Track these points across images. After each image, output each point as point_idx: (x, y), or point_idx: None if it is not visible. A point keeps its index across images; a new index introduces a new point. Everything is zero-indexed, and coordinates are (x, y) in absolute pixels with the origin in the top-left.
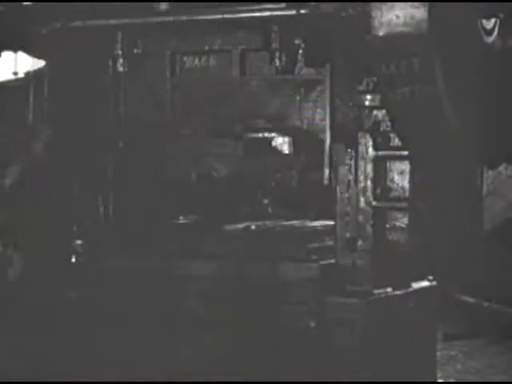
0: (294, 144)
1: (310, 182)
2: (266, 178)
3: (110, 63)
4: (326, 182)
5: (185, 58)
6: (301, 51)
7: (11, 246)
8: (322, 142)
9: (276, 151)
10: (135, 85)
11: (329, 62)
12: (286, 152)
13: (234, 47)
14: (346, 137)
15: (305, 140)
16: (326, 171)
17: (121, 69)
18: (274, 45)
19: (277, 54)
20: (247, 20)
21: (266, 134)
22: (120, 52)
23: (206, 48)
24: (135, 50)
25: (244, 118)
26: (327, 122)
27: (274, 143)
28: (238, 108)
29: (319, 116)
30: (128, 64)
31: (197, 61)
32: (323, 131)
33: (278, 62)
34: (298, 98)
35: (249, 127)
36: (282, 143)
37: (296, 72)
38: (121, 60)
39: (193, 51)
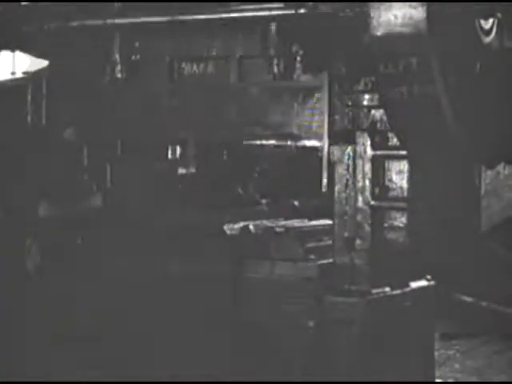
0: (291, 151)
1: (307, 191)
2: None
3: (108, 70)
4: (324, 189)
5: (183, 65)
6: (299, 57)
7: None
8: (320, 148)
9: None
10: (133, 91)
11: (327, 68)
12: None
13: (232, 54)
14: (344, 141)
15: (302, 147)
16: (325, 178)
17: (119, 75)
18: (272, 51)
19: (275, 61)
20: (245, 20)
21: (264, 141)
22: (118, 58)
23: (205, 54)
24: (133, 57)
25: (242, 124)
26: (325, 128)
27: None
28: (236, 115)
29: (317, 122)
30: (126, 70)
31: (195, 67)
32: (321, 138)
33: (275, 69)
34: (296, 104)
35: (246, 134)
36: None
37: (294, 78)
38: (119, 67)
39: (191, 57)
